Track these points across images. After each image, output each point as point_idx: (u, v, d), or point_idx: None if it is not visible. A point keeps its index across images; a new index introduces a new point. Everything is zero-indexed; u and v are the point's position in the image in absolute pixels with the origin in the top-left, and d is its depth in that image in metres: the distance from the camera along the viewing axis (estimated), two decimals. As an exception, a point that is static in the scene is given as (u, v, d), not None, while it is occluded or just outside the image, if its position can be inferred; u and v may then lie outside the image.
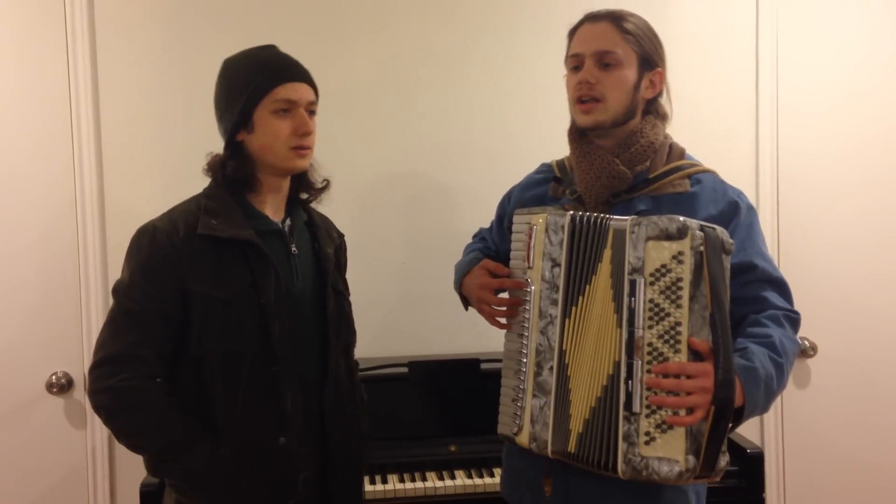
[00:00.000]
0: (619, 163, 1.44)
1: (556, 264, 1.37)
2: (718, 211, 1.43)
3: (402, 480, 1.95)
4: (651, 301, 1.25)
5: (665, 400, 1.22)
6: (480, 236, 1.78)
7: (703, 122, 2.43)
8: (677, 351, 1.23)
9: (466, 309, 1.65)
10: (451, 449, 2.02)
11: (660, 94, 1.52)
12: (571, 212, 1.37)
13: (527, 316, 1.40)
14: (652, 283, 1.25)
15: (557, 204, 1.50)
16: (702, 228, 1.24)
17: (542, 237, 1.38)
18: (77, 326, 2.28)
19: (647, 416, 1.24)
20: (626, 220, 1.29)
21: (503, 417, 1.45)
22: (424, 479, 1.96)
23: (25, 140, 2.25)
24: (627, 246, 1.27)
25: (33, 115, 2.25)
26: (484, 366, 2.09)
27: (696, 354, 1.23)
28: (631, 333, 1.26)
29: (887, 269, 2.46)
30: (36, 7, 2.23)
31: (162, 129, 2.29)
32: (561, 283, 1.36)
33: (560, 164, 1.60)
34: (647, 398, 1.24)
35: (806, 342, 2.46)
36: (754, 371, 1.28)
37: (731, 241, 1.29)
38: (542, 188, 1.58)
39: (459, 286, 1.63)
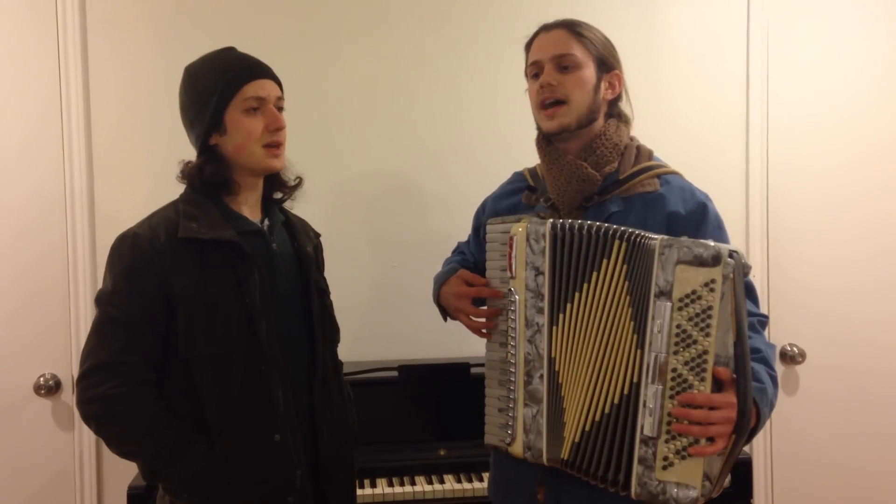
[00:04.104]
0: (587, 166, 1.45)
1: (539, 273, 1.36)
2: (687, 211, 1.43)
3: (391, 485, 1.95)
4: (679, 327, 1.22)
5: (690, 429, 1.21)
6: (459, 250, 1.79)
7: (693, 132, 2.45)
8: (702, 380, 1.21)
9: (446, 320, 1.66)
10: (440, 453, 2.02)
11: (619, 97, 1.53)
12: (551, 220, 1.37)
13: (512, 325, 1.39)
14: (680, 309, 1.22)
15: (532, 212, 1.50)
16: (731, 255, 1.20)
17: (523, 246, 1.37)
18: (65, 328, 2.27)
19: (667, 441, 1.23)
20: (655, 238, 1.26)
21: (490, 427, 1.45)
22: (413, 483, 1.96)
23: (15, 140, 2.24)
24: (655, 267, 1.24)
25: (24, 115, 2.24)
26: (473, 370, 2.10)
27: (717, 383, 1.22)
28: (654, 358, 1.24)
29: (875, 278, 2.48)
30: (27, 9, 2.22)
31: (152, 131, 2.28)
32: (546, 291, 1.35)
33: (532, 172, 1.61)
34: (668, 424, 1.23)
35: (795, 349, 2.47)
36: (765, 392, 1.30)
37: (749, 264, 1.27)
38: (516, 197, 1.59)
39: (438, 297, 1.64)
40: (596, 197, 1.46)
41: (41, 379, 2.25)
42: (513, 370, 1.39)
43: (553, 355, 1.35)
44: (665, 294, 1.23)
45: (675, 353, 1.23)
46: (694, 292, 1.21)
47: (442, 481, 1.96)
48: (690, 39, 2.46)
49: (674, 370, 1.23)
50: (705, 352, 1.21)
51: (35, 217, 2.25)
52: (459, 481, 1.96)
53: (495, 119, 2.40)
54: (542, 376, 1.36)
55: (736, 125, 2.47)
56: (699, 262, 1.20)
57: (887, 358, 2.48)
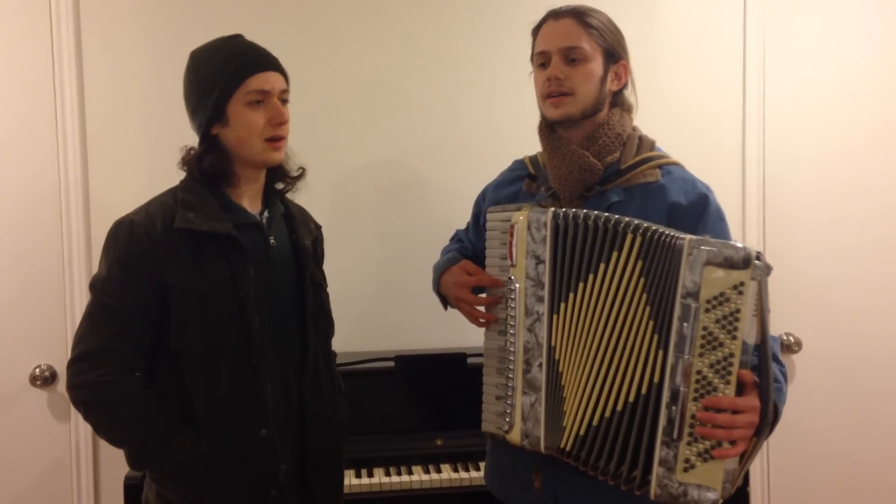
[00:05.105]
0: (589, 156, 1.45)
1: (540, 261, 1.35)
2: (688, 202, 1.42)
3: (388, 474, 1.95)
4: (705, 329, 1.21)
5: (714, 433, 1.21)
6: (457, 238, 1.78)
7: (690, 122, 2.44)
8: (727, 383, 1.21)
9: (446, 308, 1.66)
10: (437, 443, 2.02)
11: (625, 86, 1.52)
12: (553, 209, 1.36)
13: (512, 314, 1.39)
14: (707, 311, 1.20)
15: (533, 200, 1.49)
16: (758, 257, 1.19)
17: (524, 234, 1.36)
18: (61, 319, 2.26)
19: (689, 443, 1.23)
20: (683, 237, 1.24)
21: (488, 415, 1.44)
22: (410, 472, 1.96)
23: (9, 131, 2.22)
24: (683, 267, 1.22)
25: (17, 107, 2.22)
26: (470, 360, 2.10)
27: (739, 385, 1.22)
28: (678, 359, 1.22)
29: (872, 268, 2.48)
30: (20, 0, 2.20)
31: (146, 122, 2.27)
32: (546, 280, 1.35)
33: (533, 160, 1.60)
34: (691, 426, 1.22)
35: (791, 338, 2.48)
36: (782, 391, 1.31)
37: (771, 266, 1.25)
38: (516, 185, 1.58)
39: (438, 286, 1.63)
40: (597, 186, 1.46)
41: (37, 370, 2.25)
42: (511, 358, 1.39)
43: (553, 344, 1.35)
44: (692, 295, 1.21)
45: (701, 355, 1.21)
46: (722, 294, 1.19)
47: (439, 471, 1.96)
48: (687, 28, 2.45)
49: (698, 372, 1.22)
50: (731, 355, 1.20)
51: (29, 208, 2.24)
52: (456, 471, 1.96)
53: (494, 110, 2.39)
54: (540, 365, 1.36)
55: (733, 115, 2.47)
56: (729, 264, 1.18)
57: (883, 348, 2.49)
